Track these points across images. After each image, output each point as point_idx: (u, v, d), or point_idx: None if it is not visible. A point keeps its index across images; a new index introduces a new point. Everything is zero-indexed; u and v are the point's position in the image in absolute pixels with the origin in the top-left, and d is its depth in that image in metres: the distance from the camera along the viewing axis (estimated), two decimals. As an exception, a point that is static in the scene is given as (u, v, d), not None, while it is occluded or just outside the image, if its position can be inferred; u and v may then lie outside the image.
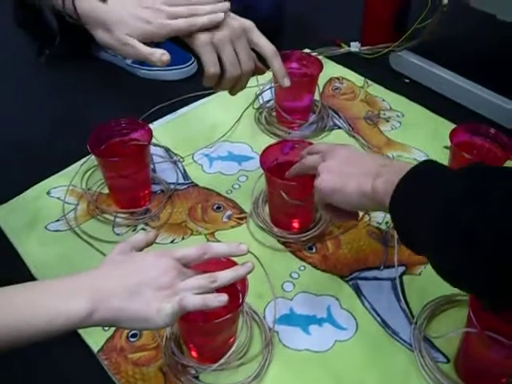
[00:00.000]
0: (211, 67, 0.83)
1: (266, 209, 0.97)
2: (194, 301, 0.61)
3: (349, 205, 0.72)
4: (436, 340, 0.77)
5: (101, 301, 0.58)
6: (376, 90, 1.26)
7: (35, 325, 0.56)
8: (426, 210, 0.58)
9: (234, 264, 0.70)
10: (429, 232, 0.57)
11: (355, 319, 0.81)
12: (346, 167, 0.73)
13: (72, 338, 0.76)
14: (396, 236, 0.87)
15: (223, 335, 0.73)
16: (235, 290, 0.70)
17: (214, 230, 0.94)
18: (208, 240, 0.93)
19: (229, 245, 0.69)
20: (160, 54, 0.80)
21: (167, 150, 1.09)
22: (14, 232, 0.93)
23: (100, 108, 1.20)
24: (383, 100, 1.23)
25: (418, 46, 1.29)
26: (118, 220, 0.96)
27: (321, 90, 1.20)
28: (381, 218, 0.95)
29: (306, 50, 1.31)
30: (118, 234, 0.94)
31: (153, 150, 1.02)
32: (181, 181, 1.04)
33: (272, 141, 1.03)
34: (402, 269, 0.87)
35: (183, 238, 0.93)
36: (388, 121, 1.17)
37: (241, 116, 1.15)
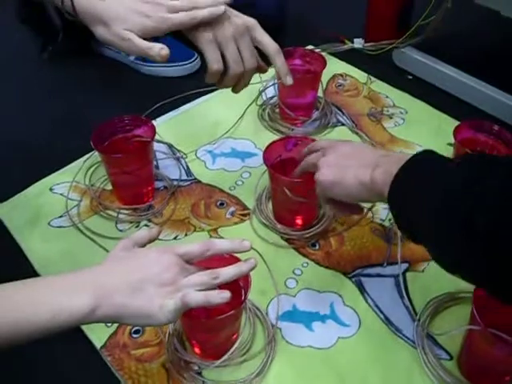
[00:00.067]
0: (214, 64, 0.83)
1: (270, 205, 0.97)
2: (197, 297, 0.61)
3: (349, 197, 0.72)
4: (439, 337, 0.77)
5: (104, 297, 0.58)
6: (379, 87, 1.26)
7: (36, 322, 0.56)
8: (425, 200, 0.57)
9: (238, 260, 0.69)
10: (428, 222, 0.57)
11: (358, 316, 0.81)
12: (345, 160, 0.73)
13: (75, 334, 0.76)
14: (399, 233, 0.88)
15: (226, 332, 0.73)
16: (238, 287, 0.70)
17: (217, 227, 0.94)
18: (211, 236, 0.93)
19: (232, 241, 0.68)
20: (159, 49, 0.79)
21: (170, 146, 1.09)
22: (17, 228, 0.94)
23: (103, 104, 1.20)
24: (386, 96, 1.23)
25: (421, 43, 1.28)
26: (121, 216, 0.96)
27: (324, 86, 1.19)
28: (384, 214, 0.95)
29: (309, 47, 1.31)
30: (121, 231, 0.94)
31: (156, 146, 1.02)
32: (184, 177, 1.04)
33: (275, 137, 1.03)
34: (405, 265, 0.87)
35: (186, 235, 0.93)
36: (391, 117, 1.17)
37: (244, 112, 1.15)
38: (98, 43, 1.35)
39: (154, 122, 1.00)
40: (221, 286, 0.64)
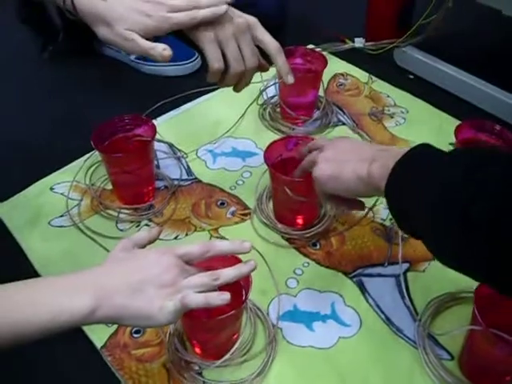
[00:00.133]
0: (215, 63, 0.82)
1: (270, 205, 0.96)
2: (197, 299, 0.61)
3: (346, 191, 0.72)
4: (440, 337, 0.77)
5: (104, 298, 0.58)
6: (380, 86, 1.26)
7: (37, 322, 0.56)
8: (422, 194, 0.57)
9: (238, 261, 0.69)
10: (425, 216, 0.57)
11: (359, 316, 0.81)
12: (342, 155, 0.73)
13: (75, 334, 0.76)
14: (400, 233, 0.88)
15: (227, 332, 0.73)
16: (239, 287, 0.70)
17: (218, 226, 0.94)
18: (212, 236, 0.93)
19: (232, 242, 0.68)
20: (161, 49, 0.79)
21: (171, 145, 1.09)
22: (18, 228, 0.93)
23: (103, 104, 1.20)
24: (388, 96, 1.23)
25: (422, 42, 1.28)
26: (121, 216, 0.96)
27: (325, 86, 1.19)
28: (385, 214, 0.95)
29: (310, 46, 1.30)
30: (121, 230, 0.94)
31: (156, 145, 1.02)
32: (184, 177, 1.03)
33: (276, 137, 1.03)
34: (406, 265, 0.87)
35: (187, 234, 0.93)
36: (392, 117, 1.17)
37: (245, 112, 1.15)
38: (99, 43, 1.35)
39: (154, 121, 1.00)
40: (221, 286, 0.64)
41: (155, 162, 1.02)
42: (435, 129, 1.13)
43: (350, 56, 1.35)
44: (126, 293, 0.59)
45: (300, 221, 0.94)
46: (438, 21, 1.21)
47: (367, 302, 0.83)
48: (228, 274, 0.64)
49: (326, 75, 1.19)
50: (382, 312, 0.81)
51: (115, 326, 0.79)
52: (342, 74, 1.30)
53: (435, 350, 0.76)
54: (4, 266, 0.83)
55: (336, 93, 1.24)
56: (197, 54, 1.31)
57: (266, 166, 0.90)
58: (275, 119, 1.16)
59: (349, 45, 1.38)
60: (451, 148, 0.96)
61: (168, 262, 0.63)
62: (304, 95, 1.13)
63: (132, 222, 0.95)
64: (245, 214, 0.96)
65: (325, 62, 1.10)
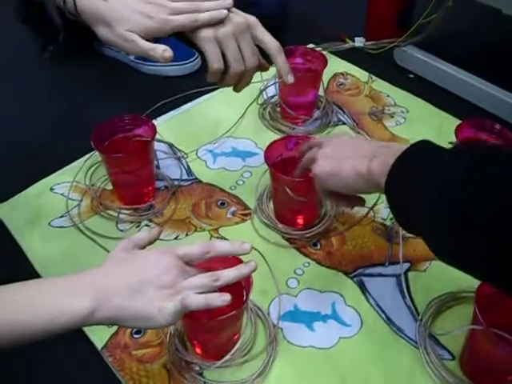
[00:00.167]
0: (215, 63, 0.82)
1: (271, 205, 0.96)
2: (197, 300, 0.61)
3: (346, 188, 0.72)
4: (441, 337, 0.77)
5: (103, 299, 0.58)
6: (380, 86, 1.26)
7: (37, 323, 0.56)
8: (422, 190, 0.57)
9: (239, 261, 0.69)
10: (425, 213, 0.56)
11: (360, 316, 0.81)
12: (341, 151, 0.73)
13: (75, 334, 0.75)
14: (401, 232, 0.88)
15: (227, 332, 0.73)
16: (239, 287, 0.70)
17: (218, 227, 0.94)
18: (212, 236, 0.92)
19: (232, 243, 0.68)
20: (162, 50, 0.79)
21: (171, 146, 1.09)
22: (18, 228, 0.93)
23: (103, 104, 1.20)
24: (388, 95, 1.23)
25: (422, 41, 1.28)
26: (121, 216, 0.96)
27: (325, 85, 1.19)
28: (385, 214, 0.95)
29: (310, 46, 1.30)
30: (121, 231, 0.94)
31: (156, 146, 1.02)
32: (185, 177, 1.03)
33: (276, 136, 1.03)
34: (406, 265, 0.87)
35: (187, 235, 0.93)
36: (392, 116, 1.17)
37: (245, 112, 1.15)
38: (99, 43, 1.35)
39: (154, 121, 1.00)
40: (222, 287, 0.64)
41: (155, 162, 1.01)
42: (435, 128, 1.13)
43: (350, 55, 1.35)
44: (126, 294, 0.59)
45: (300, 221, 0.93)
46: (438, 20, 1.20)
47: (368, 301, 0.83)
48: (228, 274, 0.64)
49: (326, 75, 1.19)
50: (383, 312, 0.81)
51: (116, 327, 0.79)
52: (342, 74, 1.30)
53: (436, 349, 0.76)
54: (4, 267, 0.83)
55: (336, 92, 1.24)
56: (197, 54, 1.30)
57: (266, 166, 0.90)
58: (275, 119, 1.16)
59: (349, 44, 1.38)
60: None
61: (168, 262, 0.63)
62: (304, 95, 1.13)
63: (132, 222, 0.95)
64: (245, 214, 0.96)
65: (325, 62, 1.10)
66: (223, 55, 0.82)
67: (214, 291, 0.63)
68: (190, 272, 0.64)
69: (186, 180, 1.03)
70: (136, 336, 0.78)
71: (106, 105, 1.19)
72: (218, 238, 0.92)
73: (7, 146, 1.08)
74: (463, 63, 1.22)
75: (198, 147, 1.09)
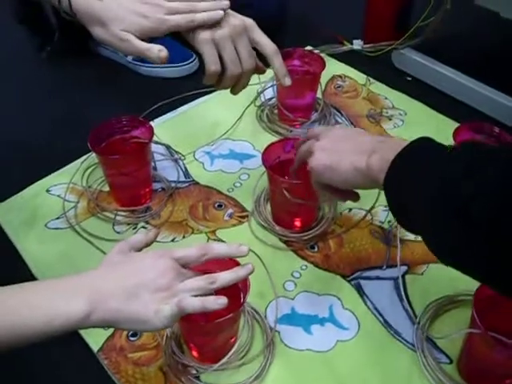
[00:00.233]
0: (212, 65, 0.82)
1: (268, 207, 0.96)
2: (194, 303, 0.60)
3: (343, 183, 0.70)
4: (439, 340, 0.77)
5: (99, 302, 0.58)
6: (378, 88, 1.26)
7: (33, 325, 0.55)
8: (421, 188, 0.56)
9: (236, 263, 0.69)
10: (424, 210, 0.56)
11: (357, 319, 0.81)
12: (340, 144, 0.71)
13: (71, 337, 0.75)
14: (399, 235, 0.87)
15: (224, 335, 0.73)
16: (236, 290, 0.70)
17: (215, 229, 0.94)
18: (209, 238, 0.92)
19: (229, 246, 0.68)
20: (157, 50, 0.79)
21: (168, 147, 1.09)
22: (14, 230, 0.93)
23: (100, 106, 1.19)
24: (386, 98, 1.23)
25: (420, 44, 1.28)
26: (118, 218, 0.95)
27: (323, 87, 1.19)
28: (383, 216, 0.95)
29: (308, 48, 1.30)
30: (118, 232, 0.93)
31: (154, 147, 1.02)
32: (182, 179, 1.03)
33: (274, 139, 1.03)
34: (404, 268, 0.87)
35: (184, 237, 0.93)
36: (390, 119, 1.17)
37: (242, 114, 1.15)
38: (95, 43, 1.35)
39: (151, 123, 1.00)
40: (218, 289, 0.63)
41: (152, 164, 1.01)
42: (433, 131, 1.12)
43: (348, 58, 1.34)
44: (122, 297, 0.59)
45: (298, 223, 0.93)
46: (436, 23, 1.20)
47: (365, 304, 0.83)
48: (225, 277, 0.64)
49: (324, 77, 1.18)
50: (381, 315, 0.81)
51: (112, 329, 0.78)
52: (340, 76, 1.29)
53: (434, 353, 0.76)
54: (0, 269, 0.82)
55: (334, 95, 1.24)
56: (194, 56, 1.30)
57: (263, 168, 0.89)
58: (273, 121, 1.15)
59: (347, 46, 1.37)
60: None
61: (164, 265, 0.62)
62: (302, 97, 1.13)
63: (129, 224, 0.95)
64: (242, 217, 0.96)
65: (323, 64, 1.09)
66: (220, 57, 0.82)
67: (211, 294, 0.62)
68: (187, 274, 0.64)
69: (184, 182, 1.02)
70: (132, 339, 0.78)
71: (104, 106, 1.18)
72: (215, 240, 0.92)
73: (5, 146, 1.07)
74: (461, 66, 1.22)
75: (195, 149, 1.09)
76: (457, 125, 0.98)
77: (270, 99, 1.19)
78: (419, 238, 0.88)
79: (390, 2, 1.29)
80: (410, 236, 0.90)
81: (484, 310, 0.66)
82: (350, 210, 0.96)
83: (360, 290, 0.84)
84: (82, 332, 0.78)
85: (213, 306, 0.61)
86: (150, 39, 0.81)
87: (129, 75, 1.32)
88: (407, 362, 0.75)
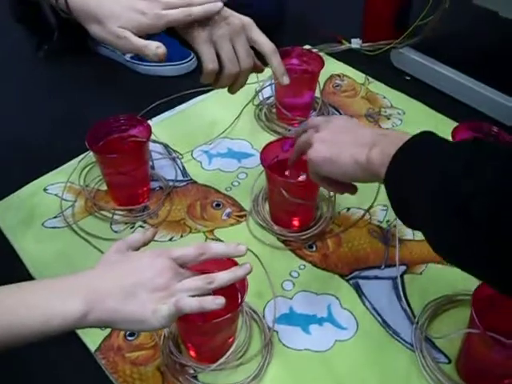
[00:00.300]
0: (209, 64, 0.82)
1: (266, 206, 0.96)
2: (191, 303, 0.60)
3: (342, 176, 0.70)
4: (437, 340, 0.77)
5: (96, 301, 0.58)
6: (377, 87, 1.25)
7: (31, 325, 0.55)
8: (423, 182, 0.56)
9: (234, 263, 0.69)
10: (425, 205, 0.55)
11: (356, 319, 0.81)
12: (340, 136, 0.71)
13: (69, 337, 0.75)
14: (397, 235, 0.87)
15: (222, 335, 0.72)
16: (234, 290, 0.70)
17: (213, 228, 0.93)
18: (207, 238, 0.92)
19: (227, 245, 0.68)
20: (155, 47, 0.78)
21: (166, 146, 1.08)
22: (11, 229, 0.93)
23: (98, 104, 1.19)
24: (384, 97, 1.22)
25: (419, 43, 1.28)
26: (116, 217, 0.95)
27: (321, 86, 1.19)
28: (382, 216, 0.94)
29: (307, 47, 1.30)
30: (115, 232, 0.93)
31: (151, 146, 1.01)
32: (180, 178, 1.03)
33: (272, 138, 1.03)
34: (403, 268, 0.86)
35: (182, 236, 0.92)
36: (389, 118, 1.17)
37: (240, 113, 1.14)
38: (94, 42, 1.34)
39: (149, 121, 0.99)
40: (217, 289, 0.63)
41: (150, 163, 1.01)
42: (431, 130, 1.12)
43: (347, 57, 1.34)
44: (119, 296, 0.59)
45: (296, 223, 0.93)
46: (435, 22, 1.20)
47: (364, 304, 0.82)
48: (223, 277, 0.63)
49: (323, 76, 1.18)
50: (379, 315, 0.81)
51: (109, 329, 0.78)
52: (339, 75, 1.29)
53: (432, 353, 0.76)
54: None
55: (332, 94, 1.24)
56: (192, 54, 1.30)
57: (261, 168, 0.89)
58: (271, 120, 1.15)
59: (345, 45, 1.37)
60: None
61: (162, 264, 0.62)
62: (300, 96, 1.13)
63: (126, 223, 0.94)
64: (240, 216, 0.96)
65: (321, 63, 1.09)
66: (218, 56, 0.82)
67: (209, 294, 0.62)
68: (184, 274, 0.64)
69: (181, 181, 1.02)
70: (130, 338, 0.78)
71: (102, 104, 1.18)
72: (213, 239, 0.92)
73: (3, 145, 1.07)
74: (460, 65, 1.22)
75: (193, 148, 1.09)
76: (455, 124, 0.98)
77: (268, 98, 1.19)
78: (418, 238, 0.90)
79: (389, 1, 1.29)
80: (409, 236, 0.90)
81: (483, 309, 0.65)
82: (349, 209, 0.96)
83: (358, 290, 0.84)
84: (80, 332, 0.77)
85: (210, 306, 0.60)
86: (148, 36, 0.80)
87: (127, 74, 1.32)
88: (406, 362, 0.75)
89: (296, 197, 0.86)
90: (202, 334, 0.72)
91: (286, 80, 0.87)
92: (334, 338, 0.78)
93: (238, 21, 0.83)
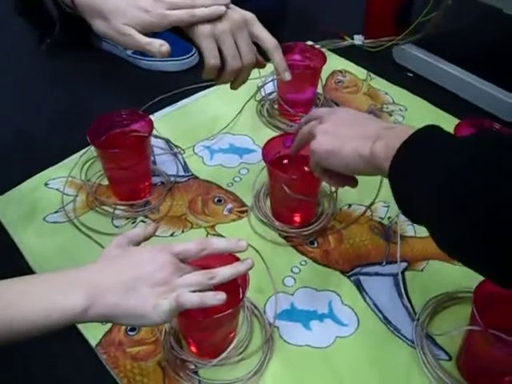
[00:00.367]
0: (211, 59, 0.82)
1: (268, 202, 0.96)
2: (192, 298, 0.60)
3: (345, 168, 0.69)
4: (438, 337, 0.77)
5: (97, 296, 0.58)
6: (379, 84, 1.25)
7: (31, 319, 0.55)
8: (427, 177, 0.55)
9: (235, 258, 0.69)
10: (430, 199, 0.55)
11: (356, 315, 0.80)
12: (343, 128, 0.70)
13: (70, 331, 0.75)
14: (399, 231, 0.87)
15: (223, 330, 0.72)
16: (236, 285, 0.69)
17: (215, 223, 0.93)
18: (208, 233, 0.92)
19: (228, 241, 0.67)
20: (159, 45, 0.78)
21: (168, 141, 1.08)
22: (12, 223, 0.92)
23: (100, 99, 1.19)
24: (386, 93, 1.22)
25: (421, 40, 1.27)
26: (117, 212, 0.95)
27: (323, 82, 1.18)
28: (383, 212, 0.94)
29: (309, 43, 1.30)
30: (117, 227, 0.93)
31: (153, 141, 1.01)
32: (181, 173, 1.03)
33: (274, 134, 1.02)
34: (404, 265, 0.86)
35: (183, 231, 0.92)
36: (391, 115, 1.16)
37: (242, 108, 1.14)
38: (96, 36, 1.34)
39: (151, 116, 0.99)
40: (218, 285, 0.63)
41: (152, 158, 1.01)
42: (435, 126, 1.12)
43: (349, 53, 1.34)
44: (120, 291, 0.59)
45: (297, 219, 0.93)
46: (438, 18, 1.20)
47: (365, 301, 0.82)
48: (224, 273, 0.63)
49: (325, 72, 1.18)
50: (380, 311, 0.81)
51: (110, 324, 0.78)
52: (341, 71, 1.29)
53: (433, 350, 0.76)
54: (-2, 263, 0.82)
55: (334, 90, 1.24)
56: (194, 50, 1.30)
57: (263, 163, 0.89)
58: (273, 116, 1.15)
59: (348, 42, 1.37)
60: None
61: (163, 259, 0.62)
62: (302, 92, 1.12)
63: (128, 218, 0.94)
64: (242, 212, 0.96)
65: (324, 59, 1.09)
66: (220, 52, 0.82)
67: (210, 289, 0.62)
68: (186, 269, 0.63)
69: (183, 176, 1.02)
70: (131, 333, 0.78)
71: (103, 99, 1.18)
72: (214, 235, 0.92)
73: (5, 139, 1.07)
74: (462, 62, 1.21)
75: (194, 143, 1.08)
76: (457, 121, 0.98)
77: (271, 94, 1.19)
78: (419, 235, 0.89)
79: (391, -3, 1.29)
80: (410, 232, 0.90)
81: (484, 306, 0.65)
82: (350, 205, 0.96)
83: (359, 286, 0.84)
84: (80, 326, 0.77)
85: (211, 301, 0.60)
86: (152, 33, 0.80)
87: (129, 69, 1.31)
88: (406, 359, 0.75)
89: (298, 193, 0.86)
90: (203, 329, 0.72)
91: (287, 76, 0.87)
92: (334, 335, 0.78)
93: (240, 16, 0.83)
